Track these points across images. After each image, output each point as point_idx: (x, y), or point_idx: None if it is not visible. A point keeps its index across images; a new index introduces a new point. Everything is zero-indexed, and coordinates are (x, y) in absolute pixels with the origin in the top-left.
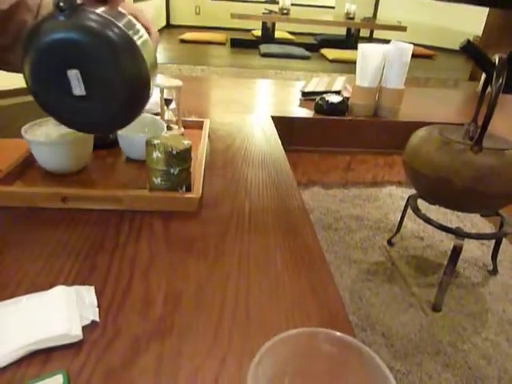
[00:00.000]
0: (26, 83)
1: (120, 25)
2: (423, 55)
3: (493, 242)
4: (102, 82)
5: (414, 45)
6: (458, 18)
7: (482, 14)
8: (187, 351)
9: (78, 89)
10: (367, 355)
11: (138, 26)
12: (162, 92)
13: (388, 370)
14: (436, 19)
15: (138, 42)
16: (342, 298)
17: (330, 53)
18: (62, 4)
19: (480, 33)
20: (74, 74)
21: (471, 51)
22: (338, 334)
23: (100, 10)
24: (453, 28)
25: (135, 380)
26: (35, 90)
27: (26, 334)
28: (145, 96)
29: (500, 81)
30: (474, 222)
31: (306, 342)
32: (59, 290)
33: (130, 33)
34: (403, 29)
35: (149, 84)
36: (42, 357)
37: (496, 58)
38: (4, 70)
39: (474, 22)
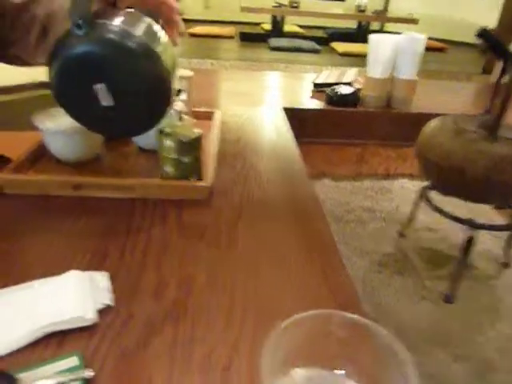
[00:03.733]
0: (53, 95)
1: (138, 35)
2: (435, 48)
3: (505, 235)
4: (126, 92)
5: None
6: (470, 11)
7: (495, 6)
8: (200, 335)
9: (106, 101)
10: (381, 335)
11: (156, 28)
12: None
13: (403, 347)
14: (448, 12)
15: (158, 49)
16: (353, 284)
17: (340, 46)
18: (80, 22)
19: (493, 26)
20: (100, 88)
21: (487, 39)
22: (352, 315)
23: (116, 20)
24: (465, 21)
25: (149, 362)
26: (63, 103)
27: (42, 316)
28: (168, 98)
29: None
30: (486, 215)
31: (321, 324)
32: (73, 275)
33: (149, 40)
34: (415, 22)
35: (169, 89)
36: (57, 339)
37: None
38: (13, 64)
39: (487, 14)
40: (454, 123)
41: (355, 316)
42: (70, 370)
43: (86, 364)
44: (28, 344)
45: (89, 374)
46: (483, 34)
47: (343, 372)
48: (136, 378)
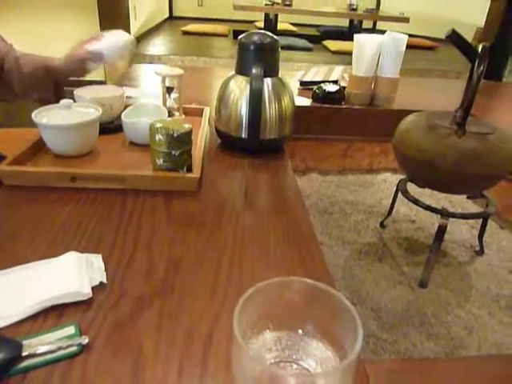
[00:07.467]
0: None
1: None
2: (425, 47)
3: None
4: None
5: (417, 36)
6: (461, 10)
7: (485, 5)
8: (186, 309)
9: None
10: (335, 296)
11: None
12: (163, 80)
13: (353, 308)
14: (439, 10)
15: None
16: (327, 267)
17: (333, 44)
18: None
19: (483, 24)
20: None
21: (456, 40)
22: (310, 281)
23: None
24: (456, 19)
25: (139, 331)
26: None
27: (43, 291)
28: None
29: (481, 68)
30: (464, 206)
31: (284, 290)
32: (71, 255)
33: None
34: (406, 20)
35: None
36: (56, 312)
37: (479, 47)
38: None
39: (478, 13)
40: (427, 119)
41: (313, 281)
42: (68, 337)
43: (82, 333)
44: (31, 315)
45: (84, 340)
46: (451, 35)
47: (307, 331)
48: (127, 345)
